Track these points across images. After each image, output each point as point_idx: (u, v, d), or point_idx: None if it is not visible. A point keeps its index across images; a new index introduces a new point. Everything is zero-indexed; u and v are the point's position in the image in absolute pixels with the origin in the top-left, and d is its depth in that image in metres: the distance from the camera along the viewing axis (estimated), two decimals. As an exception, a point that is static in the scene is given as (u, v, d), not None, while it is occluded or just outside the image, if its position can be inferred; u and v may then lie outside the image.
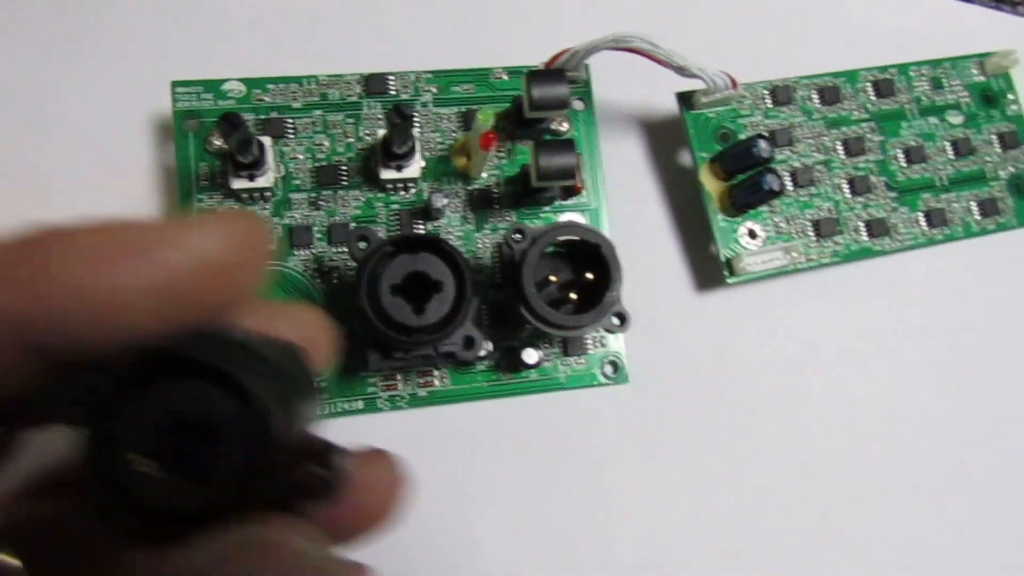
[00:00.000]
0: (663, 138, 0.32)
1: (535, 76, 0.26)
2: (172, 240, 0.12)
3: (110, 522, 0.12)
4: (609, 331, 0.26)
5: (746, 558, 0.28)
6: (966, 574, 0.30)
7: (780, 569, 0.29)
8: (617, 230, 0.30)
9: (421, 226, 0.28)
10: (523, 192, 0.29)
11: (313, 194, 0.28)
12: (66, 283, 0.12)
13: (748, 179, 0.29)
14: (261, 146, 0.26)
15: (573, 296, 0.26)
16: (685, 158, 0.31)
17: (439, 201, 0.27)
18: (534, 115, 0.27)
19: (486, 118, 0.25)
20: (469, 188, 0.29)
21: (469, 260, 0.24)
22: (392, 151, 0.27)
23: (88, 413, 0.12)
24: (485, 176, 0.29)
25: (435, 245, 0.24)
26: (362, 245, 0.24)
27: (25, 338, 0.12)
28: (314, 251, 0.28)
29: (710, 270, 0.30)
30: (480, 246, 0.29)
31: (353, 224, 0.28)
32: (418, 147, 0.27)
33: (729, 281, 0.29)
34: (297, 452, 0.13)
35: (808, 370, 0.30)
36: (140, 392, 0.12)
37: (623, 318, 0.26)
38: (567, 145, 0.26)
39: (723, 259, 0.29)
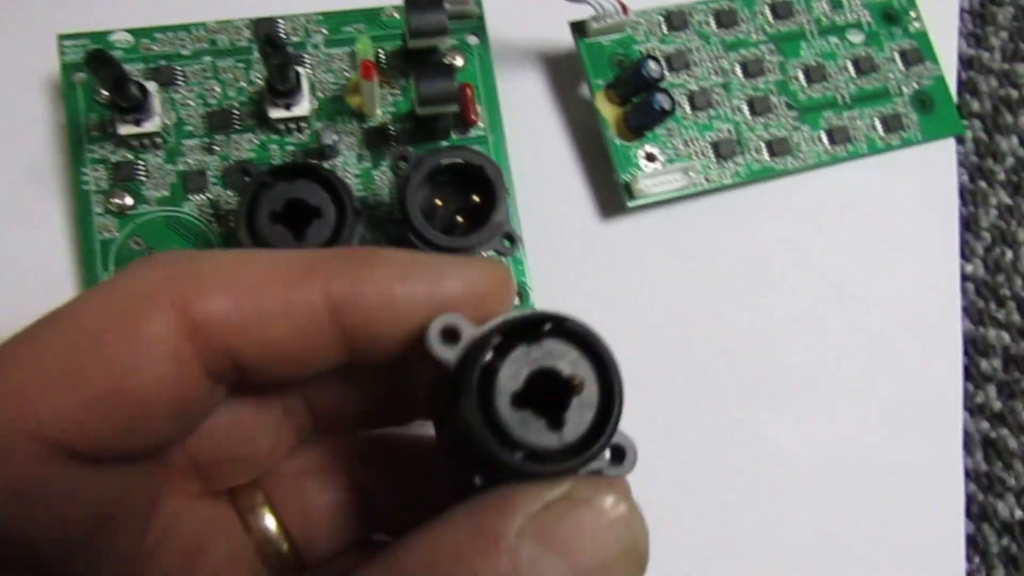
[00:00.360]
0: (563, 70, 0.32)
1: (412, 4, 0.26)
2: (455, 274, 0.16)
3: (483, 449, 0.15)
4: (501, 253, 0.26)
5: (651, 482, 0.28)
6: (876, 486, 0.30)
7: (682, 497, 0.29)
8: (519, 162, 0.30)
9: (317, 166, 0.28)
10: (417, 126, 0.29)
11: (206, 139, 0.28)
12: (378, 285, 0.16)
13: (640, 101, 0.29)
14: (143, 89, 0.26)
15: (460, 220, 0.26)
16: (585, 89, 0.31)
17: (328, 137, 0.27)
18: (416, 44, 0.27)
19: (364, 47, 0.25)
20: (365, 126, 0.29)
21: (349, 185, 0.24)
22: (276, 88, 0.27)
23: (476, 362, 0.15)
24: (380, 113, 0.29)
25: (312, 171, 0.24)
26: (247, 180, 0.24)
27: (339, 318, 0.15)
28: (209, 195, 0.28)
29: (614, 198, 0.30)
30: (378, 183, 0.29)
31: (248, 167, 0.28)
32: (305, 84, 0.28)
33: (629, 205, 0.29)
34: None
35: (713, 291, 0.30)
36: (515, 346, 0.15)
37: (512, 239, 0.26)
38: (446, 69, 0.26)
39: (622, 183, 0.29)
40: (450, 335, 0.16)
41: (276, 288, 0.15)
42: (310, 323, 0.15)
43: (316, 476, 0.19)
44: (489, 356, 0.15)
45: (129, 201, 0.27)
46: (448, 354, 0.15)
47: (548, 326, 0.15)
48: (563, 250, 0.30)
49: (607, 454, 0.16)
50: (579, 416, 0.15)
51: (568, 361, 0.15)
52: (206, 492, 0.18)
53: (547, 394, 0.15)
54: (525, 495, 0.14)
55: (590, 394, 0.15)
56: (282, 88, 0.26)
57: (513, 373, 0.15)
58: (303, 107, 0.28)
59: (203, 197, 0.28)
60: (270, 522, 0.18)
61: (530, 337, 0.15)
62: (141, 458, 0.16)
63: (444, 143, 0.29)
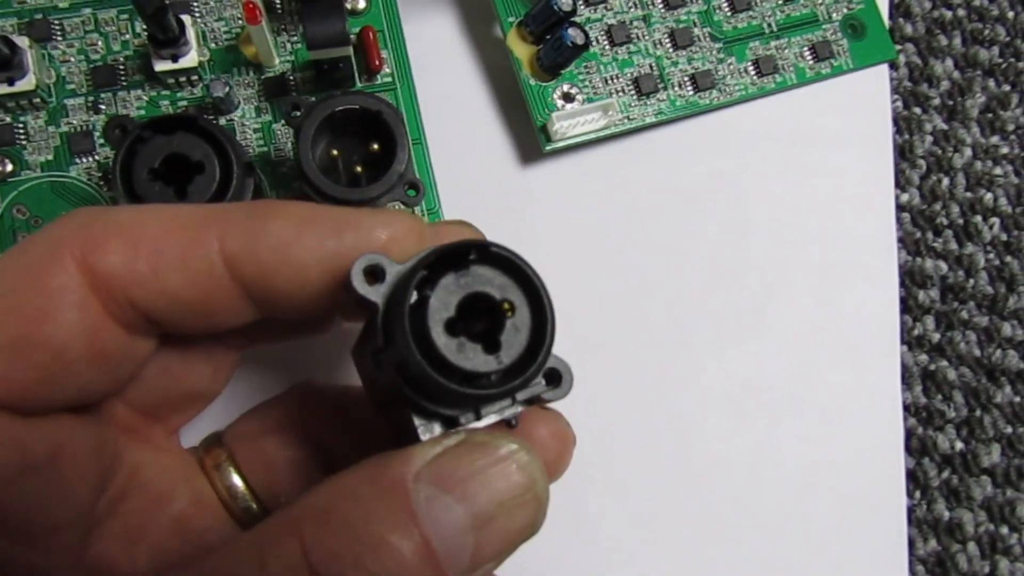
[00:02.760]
0: (474, 9, 0.30)
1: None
2: (356, 225, 0.16)
3: (409, 373, 0.15)
4: (405, 204, 0.25)
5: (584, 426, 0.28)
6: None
7: (614, 443, 0.28)
8: (431, 109, 0.28)
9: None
10: (318, 75, 0.27)
11: (91, 97, 0.26)
12: (273, 240, 0.16)
13: (552, 37, 0.27)
14: (11, 45, 0.24)
15: (360, 170, 0.24)
16: (498, 28, 0.30)
17: (219, 89, 0.25)
18: (306, -16, 0.25)
19: (246, -12, 0.24)
20: (263, 77, 0.27)
21: (234, 136, 0.23)
22: (158, 38, 0.25)
23: (405, 294, 0.15)
24: (278, 63, 0.27)
25: (190, 123, 0.22)
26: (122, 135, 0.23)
27: (236, 273, 0.16)
28: (97, 157, 0.26)
29: (533, 142, 0.29)
30: (280, 137, 0.27)
31: (138, 126, 0.26)
32: (191, 33, 0.26)
33: (546, 148, 0.28)
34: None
35: (639, 235, 0.29)
36: (442, 275, 0.15)
37: (416, 187, 0.24)
38: (336, 8, 0.24)
39: (538, 125, 0.28)
40: (374, 274, 0.15)
41: (173, 240, 0.15)
42: (207, 276, 0.16)
43: (273, 434, 0.20)
44: (416, 288, 0.15)
45: (9, 167, 0.25)
46: (374, 294, 0.15)
47: (473, 254, 0.15)
48: (481, 199, 0.29)
49: (542, 380, 0.17)
50: (514, 338, 0.15)
51: (497, 286, 0.15)
52: (170, 445, 0.19)
53: (480, 320, 0.15)
54: (425, 443, 0.15)
55: (522, 316, 0.15)
56: (163, 38, 0.25)
57: (443, 301, 0.15)
58: (191, 58, 0.26)
59: (91, 160, 0.26)
60: (236, 480, 0.19)
61: (457, 266, 0.15)
62: (78, 409, 0.16)
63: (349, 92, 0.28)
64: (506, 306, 0.15)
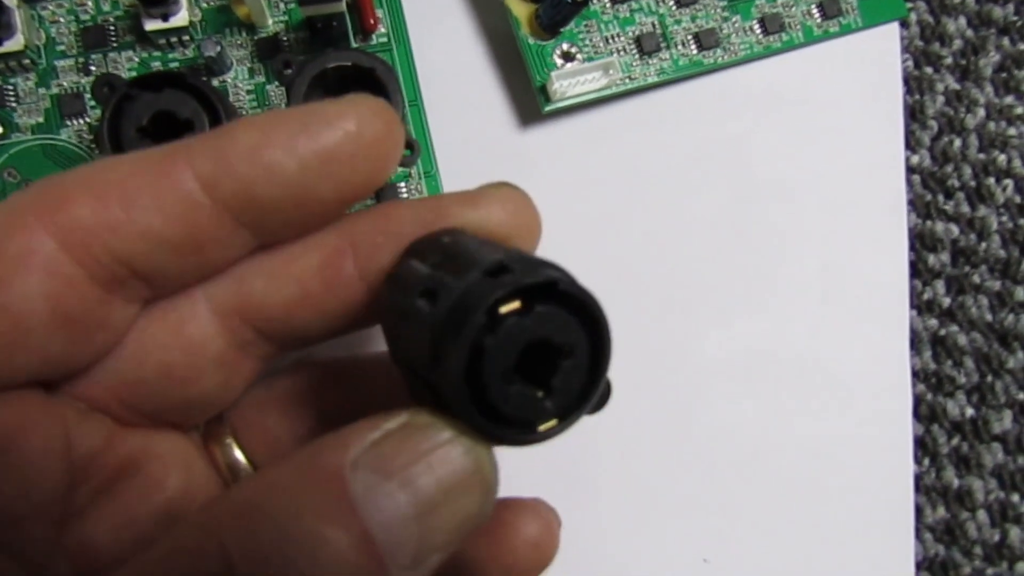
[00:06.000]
0: (473, -31, 0.29)
1: None
2: (326, 119, 0.15)
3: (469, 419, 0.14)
4: (401, 165, 0.24)
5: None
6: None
7: (617, 414, 0.27)
8: (427, 70, 0.28)
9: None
10: (312, 35, 0.26)
11: (82, 59, 0.26)
12: (243, 150, 0.15)
13: (551, -6, 0.26)
14: (2, 6, 0.24)
15: (354, 128, 0.24)
16: (497, -13, 0.29)
17: (210, 49, 0.25)
18: (297, -62, 0.25)
19: (235, -57, 0.23)
20: (255, 38, 0.27)
21: (223, 93, 0.22)
22: (147, -3, 0.24)
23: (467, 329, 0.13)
24: (271, 23, 0.27)
25: (180, 80, 0.22)
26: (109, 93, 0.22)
27: (216, 194, 0.15)
28: (88, 119, 0.26)
29: (532, 104, 0.28)
30: (274, 99, 0.27)
31: (130, 88, 0.26)
32: (181, -9, 0.25)
33: (546, 109, 0.27)
34: None
35: (642, 199, 0.29)
36: (505, 317, 0.13)
37: (412, 147, 0.24)
38: (327, -37, 0.23)
39: (537, 85, 0.27)
40: (431, 296, 0.14)
41: (141, 180, 0.15)
42: (186, 206, 0.15)
43: (277, 410, 0.19)
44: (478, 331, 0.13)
45: (-1, 130, 0.25)
46: (425, 306, 0.14)
47: (541, 293, 0.14)
48: (479, 162, 0.28)
49: None
50: (568, 381, 0.14)
51: (560, 326, 0.14)
52: (168, 428, 0.18)
53: (534, 364, 0.14)
54: (362, 427, 0.13)
55: (580, 355, 0.14)
56: (152, -4, 0.24)
57: (504, 349, 0.13)
58: (181, 17, 0.25)
59: (81, 122, 0.26)
60: (239, 456, 0.18)
61: (523, 305, 0.14)
62: (49, 387, 0.16)
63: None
64: (566, 349, 0.14)
